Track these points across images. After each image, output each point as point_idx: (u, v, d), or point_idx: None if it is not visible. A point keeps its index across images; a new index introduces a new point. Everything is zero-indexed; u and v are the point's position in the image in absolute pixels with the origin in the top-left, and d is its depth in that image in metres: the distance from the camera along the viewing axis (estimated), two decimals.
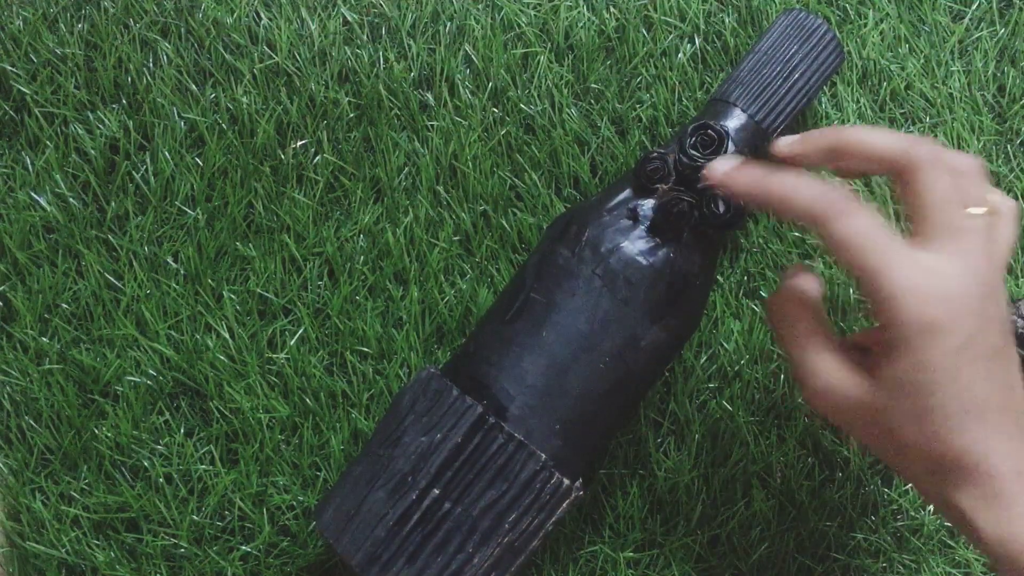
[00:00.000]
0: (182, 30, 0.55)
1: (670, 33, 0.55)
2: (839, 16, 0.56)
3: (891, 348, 0.38)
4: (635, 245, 0.45)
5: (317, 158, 0.54)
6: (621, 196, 0.47)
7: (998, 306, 0.38)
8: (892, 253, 0.37)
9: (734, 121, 0.48)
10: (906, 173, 0.39)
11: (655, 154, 0.46)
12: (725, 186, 0.42)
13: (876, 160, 0.40)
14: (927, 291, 0.37)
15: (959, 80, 0.56)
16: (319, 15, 0.55)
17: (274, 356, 0.52)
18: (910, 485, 0.52)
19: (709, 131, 0.46)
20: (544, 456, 0.43)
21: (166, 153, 0.53)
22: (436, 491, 0.43)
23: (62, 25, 0.55)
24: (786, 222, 0.43)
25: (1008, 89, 0.56)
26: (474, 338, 0.47)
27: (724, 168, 0.42)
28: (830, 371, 0.40)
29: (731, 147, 0.46)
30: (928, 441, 0.38)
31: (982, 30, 0.56)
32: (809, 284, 0.43)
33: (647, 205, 0.46)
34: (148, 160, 0.54)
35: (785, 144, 0.43)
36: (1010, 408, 0.38)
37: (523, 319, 0.45)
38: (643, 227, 0.46)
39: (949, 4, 0.56)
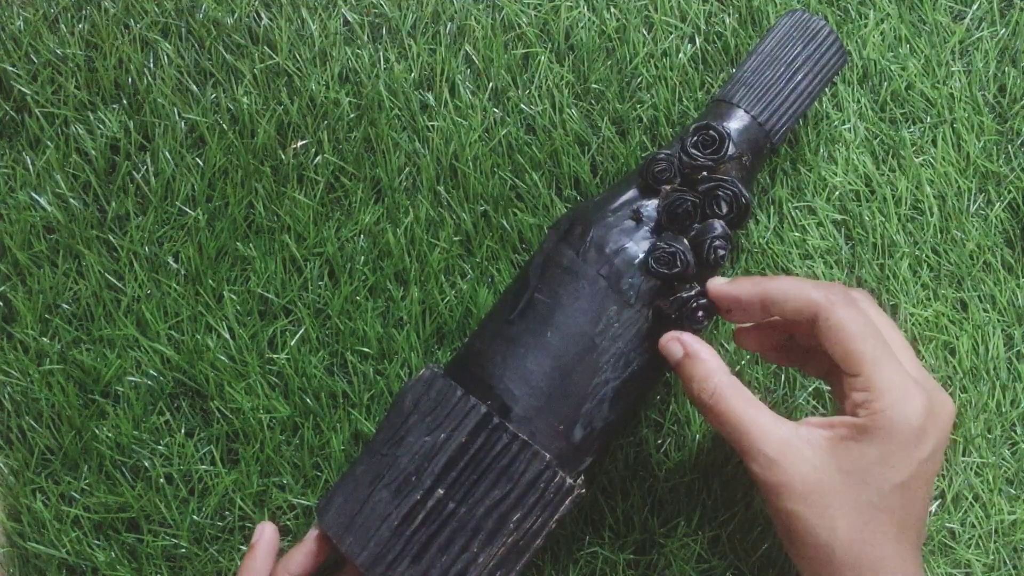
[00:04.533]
0: (183, 30, 0.55)
1: (671, 33, 0.55)
2: (840, 16, 0.56)
3: (863, 435, 0.40)
4: (640, 246, 0.45)
5: (317, 158, 0.54)
6: (625, 197, 0.47)
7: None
8: (883, 350, 0.41)
9: (736, 122, 0.48)
10: (820, 320, 0.42)
11: (662, 155, 0.46)
12: (726, 297, 0.44)
13: (792, 314, 0.43)
14: (914, 396, 0.40)
15: (960, 80, 0.56)
16: (319, 15, 0.55)
17: (275, 356, 0.52)
18: None
19: (711, 131, 0.46)
20: (548, 456, 0.43)
21: (167, 153, 0.53)
22: (440, 491, 0.43)
23: (63, 25, 0.55)
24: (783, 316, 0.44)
25: (1009, 89, 0.56)
26: (477, 337, 0.47)
27: (719, 283, 0.45)
28: (781, 442, 0.41)
29: (732, 148, 0.46)
30: (851, 544, 0.40)
31: (983, 30, 0.56)
32: (704, 350, 0.44)
33: (650, 205, 0.46)
34: (149, 160, 0.54)
35: (718, 287, 0.45)
36: (921, 533, 0.42)
37: (527, 319, 0.45)
38: (647, 228, 0.46)
39: (950, 4, 0.57)
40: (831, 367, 0.44)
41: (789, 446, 0.41)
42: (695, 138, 0.46)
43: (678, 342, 0.44)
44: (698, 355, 0.43)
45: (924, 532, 0.43)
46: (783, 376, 0.53)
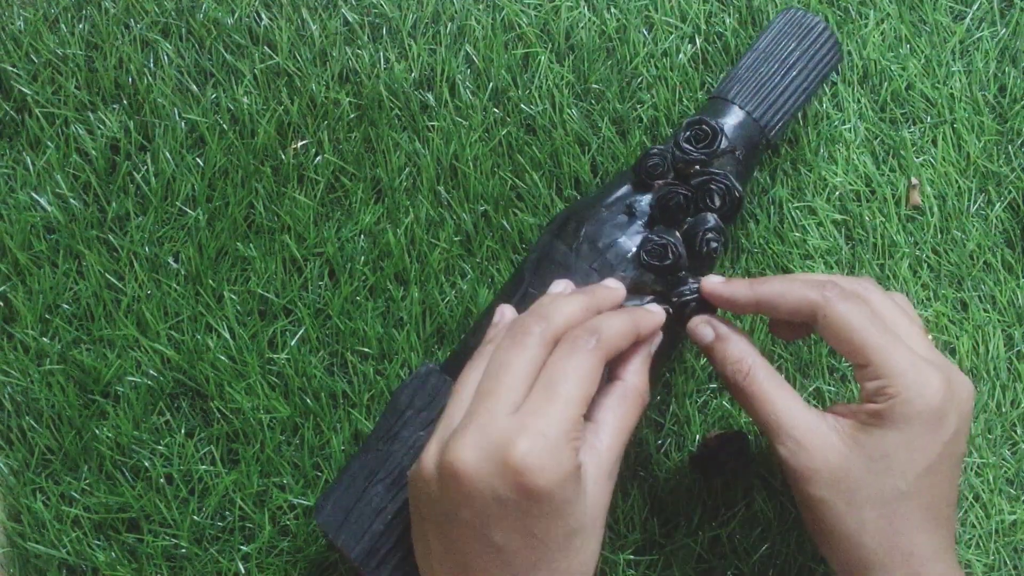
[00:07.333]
0: (183, 30, 0.55)
1: (671, 33, 0.55)
2: (840, 16, 0.56)
3: (883, 421, 0.40)
4: (632, 240, 0.45)
5: (318, 158, 0.54)
6: (619, 193, 0.47)
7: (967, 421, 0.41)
8: (889, 336, 0.40)
9: (732, 118, 0.48)
10: (819, 318, 0.41)
11: (655, 150, 0.46)
12: (719, 298, 0.44)
13: (790, 315, 0.42)
14: (929, 377, 0.39)
15: (960, 80, 0.56)
16: (320, 15, 0.55)
17: (275, 356, 0.52)
18: None
19: (703, 126, 0.46)
20: None
21: (167, 153, 0.54)
22: None
23: (63, 25, 0.55)
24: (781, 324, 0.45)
25: (1009, 89, 0.56)
26: (473, 334, 0.47)
27: (714, 283, 0.44)
28: (810, 428, 0.41)
29: (724, 142, 0.47)
30: (880, 534, 0.40)
31: (983, 30, 0.56)
32: (736, 333, 0.44)
33: (644, 201, 0.47)
34: (149, 160, 0.54)
35: (713, 287, 0.44)
36: (952, 518, 0.41)
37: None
38: (640, 222, 0.46)
39: (950, 4, 0.56)
40: None
41: (817, 432, 0.40)
42: (687, 133, 0.47)
43: (708, 325, 0.44)
44: (730, 337, 0.43)
45: (955, 516, 0.42)
46: (783, 376, 0.53)
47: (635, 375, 0.41)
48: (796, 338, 0.49)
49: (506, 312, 0.44)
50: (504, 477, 0.35)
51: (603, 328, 0.39)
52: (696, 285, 0.45)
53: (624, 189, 0.47)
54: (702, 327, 0.44)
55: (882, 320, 0.41)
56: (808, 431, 0.40)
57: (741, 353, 0.43)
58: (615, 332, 0.40)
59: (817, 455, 0.40)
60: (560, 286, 0.44)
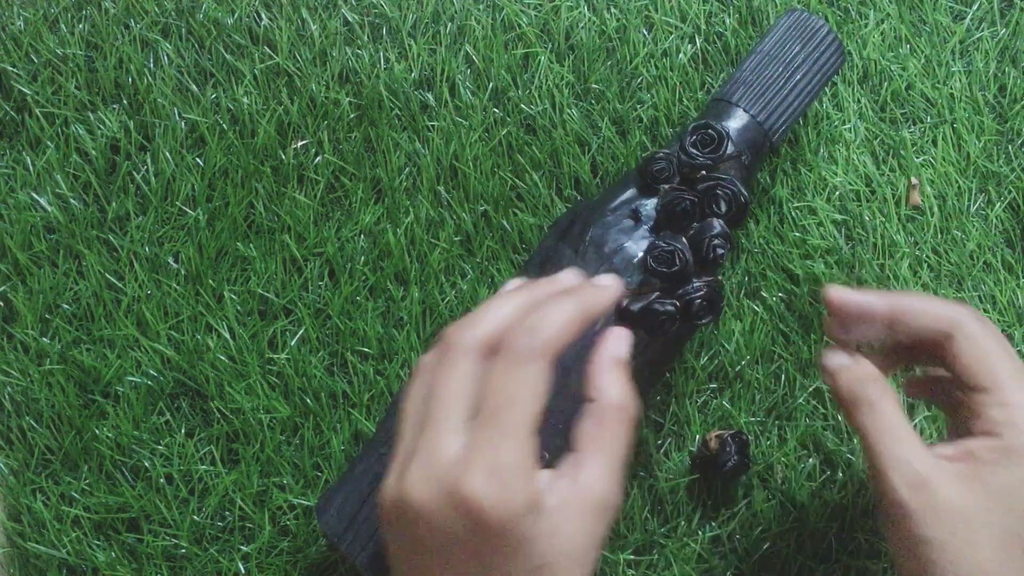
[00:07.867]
0: (183, 30, 0.55)
1: (671, 33, 0.55)
2: (840, 16, 0.56)
3: (1010, 456, 0.38)
4: (638, 245, 0.45)
5: (318, 158, 0.54)
6: (624, 196, 0.47)
7: None
8: (1019, 366, 0.39)
9: (736, 121, 0.48)
10: (957, 335, 0.40)
11: (661, 154, 0.46)
12: (853, 304, 0.42)
13: (922, 330, 0.41)
14: None
15: (960, 80, 0.56)
16: (320, 15, 0.55)
17: (275, 356, 0.52)
18: None
19: (709, 130, 0.46)
20: (547, 455, 0.43)
21: (167, 153, 0.53)
22: None
23: (63, 25, 0.55)
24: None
25: (1009, 89, 0.56)
26: None
27: (844, 291, 0.42)
28: (934, 467, 0.39)
29: (730, 147, 0.47)
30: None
31: (983, 30, 0.56)
32: (865, 360, 0.42)
33: (649, 205, 0.46)
34: (149, 160, 0.54)
35: (845, 295, 0.42)
36: None
37: None
38: (646, 227, 0.46)
39: (950, 4, 0.56)
40: (952, 391, 0.42)
41: (941, 471, 0.39)
42: (694, 137, 0.46)
43: (846, 354, 0.42)
44: (861, 363, 0.42)
45: None
46: (783, 376, 0.53)
47: (610, 388, 0.38)
48: (892, 370, 0.46)
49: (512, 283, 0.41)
50: (457, 513, 0.33)
51: (540, 325, 0.35)
52: (700, 284, 0.45)
53: (629, 192, 0.47)
54: (838, 355, 0.42)
55: (1012, 349, 0.40)
56: (933, 470, 0.39)
57: (871, 380, 0.41)
58: (556, 326, 0.36)
59: (942, 495, 0.38)
60: (570, 274, 0.41)
